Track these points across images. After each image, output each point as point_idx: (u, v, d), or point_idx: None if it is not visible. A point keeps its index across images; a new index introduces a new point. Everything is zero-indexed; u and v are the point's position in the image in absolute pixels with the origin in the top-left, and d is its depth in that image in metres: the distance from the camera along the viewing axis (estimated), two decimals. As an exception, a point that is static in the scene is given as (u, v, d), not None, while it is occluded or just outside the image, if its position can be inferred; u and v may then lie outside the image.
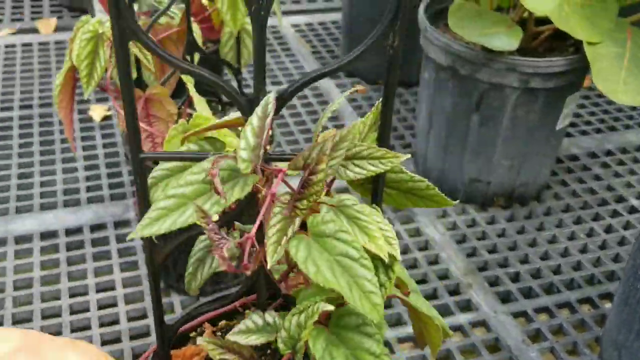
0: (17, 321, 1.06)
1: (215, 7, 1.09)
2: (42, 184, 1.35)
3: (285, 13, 2.13)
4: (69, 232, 1.23)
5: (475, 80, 1.22)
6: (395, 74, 0.51)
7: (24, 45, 1.86)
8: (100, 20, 0.92)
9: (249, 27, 1.26)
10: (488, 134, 1.29)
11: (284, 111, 1.64)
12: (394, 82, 0.52)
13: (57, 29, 1.95)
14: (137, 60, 0.94)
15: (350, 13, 1.77)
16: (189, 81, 0.87)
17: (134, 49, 0.88)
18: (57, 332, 1.04)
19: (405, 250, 1.27)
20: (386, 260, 0.49)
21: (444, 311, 1.15)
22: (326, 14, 2.15)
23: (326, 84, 1.78)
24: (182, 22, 1.03)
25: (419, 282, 1.20)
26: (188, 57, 1.00)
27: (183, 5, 1.02)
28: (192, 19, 1.01)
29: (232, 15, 0.97)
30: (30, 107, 1.59)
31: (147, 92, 0.92)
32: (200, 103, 0.85)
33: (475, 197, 1.38)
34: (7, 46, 1.84)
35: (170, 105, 0.94)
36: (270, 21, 2.08)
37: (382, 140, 0.54)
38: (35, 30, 1.93)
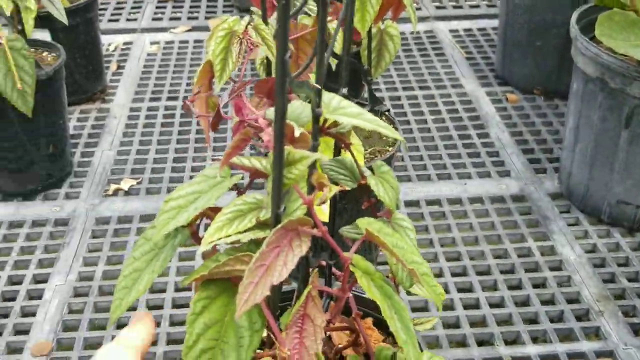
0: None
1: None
2: (194, 169, 1.45)
3: (444, 18, 2.11)
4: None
5: (626, 94, 1.13)
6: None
7: (196, 41, 2.01)
8: (236, 20, 0.98)
9: (391, 31, 1.27)
10: (638, 153, 1.19)
11: (427, 115, 1.63)
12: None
13: (227, 28, 2.09)
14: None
15: (507, 19, 1.71)
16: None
17: (263, 47, 0.92)
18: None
19: (535, 268, 1.21)
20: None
21: (566, 336, 1.08)
22: (488, 20, 2.09)
23: (477, 91, 1.74)
24: (316, 22, 1.07)
25: (544, 302, 1.14)
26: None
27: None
28: (330, 19, 1.04)
29: (360, 17, 0.98)
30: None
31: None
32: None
33: (622, 220, 1.28)
34: (181, 42, 2.00)
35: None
36: (425, 26, 2.06)
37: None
38: (207, 29, 2.08)
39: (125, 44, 1.99)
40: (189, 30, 2.08)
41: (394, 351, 0.60)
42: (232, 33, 0.94)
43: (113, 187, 1.39)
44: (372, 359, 0.60)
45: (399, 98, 1.70)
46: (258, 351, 0.55)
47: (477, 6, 2.17)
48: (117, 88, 1.76)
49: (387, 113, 1.15)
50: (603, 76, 1.15)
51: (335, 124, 0.56)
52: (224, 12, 2.19)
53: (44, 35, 1.52)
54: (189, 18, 2.15)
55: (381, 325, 0.73)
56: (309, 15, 1.19)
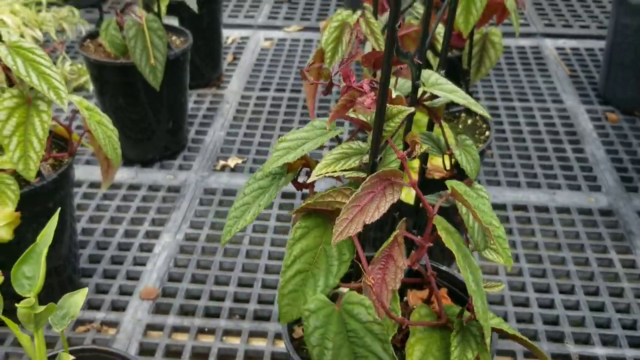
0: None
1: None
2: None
3: (551, 36, 2.13)
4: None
5: None
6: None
7: (306, 40, 2.13)
8: (350, 13, 1.07)
9: (494, 38, 1.33)
10: None
11: (523, 126, 1.67)
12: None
13: (337, 30, 2.20)
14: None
15: (614, 39, 1.73)
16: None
17: (371, 38, 1.01)
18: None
19: (614, 278, 1.23)
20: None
21: (637, 344, 1.10)
22: (596, 41, 2.10)
23: (576, 108, 1.75)
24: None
25: (619, 310, 1.16)
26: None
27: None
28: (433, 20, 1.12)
29: (464, 19, 1.05)
30: (298, 91, 1.84)
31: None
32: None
33: None
34: (292, 40, 2.13)
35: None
36: (531, 42, 2.09)
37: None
38: (317, 30, 2.20)
39: (242, 38, 2.14)
40: (301, 30, 2.20)
41: (461, 309, 0.67)
42: (345, 24, 1.03)
43: (221, 163, 1.52)
44: (441, 313, 0.67)
45: (496, 107, 1.75)
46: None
47: (586, 26, 2.18)
48: (231, 77, 1.90)
49: (479, 115, 1.21)
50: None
51: (431, 97, 0.64)
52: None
53: (172, 22, 1.68)
54: (301, 19, 2.28)
55: (454, 296, 0.80)
56: (417, 18, 1.27)
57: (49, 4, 1.82)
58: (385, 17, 1.14)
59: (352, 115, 0.58)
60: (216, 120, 1.69)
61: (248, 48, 2.07)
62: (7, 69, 0.91)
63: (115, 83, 1.40)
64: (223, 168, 1.51)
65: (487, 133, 1.23)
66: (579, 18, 2.24)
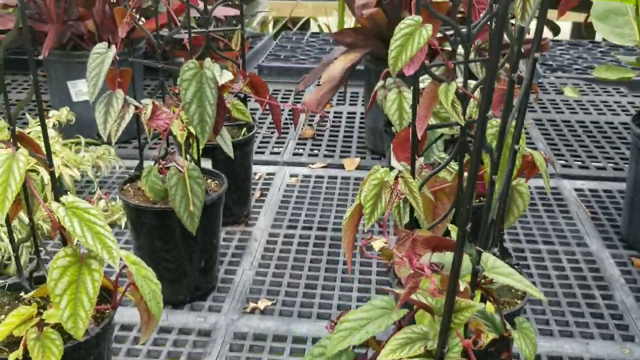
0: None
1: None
2: (322, 296, 1.57)
3: (570, 177, 2.18)
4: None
5: None
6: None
7: (330, 177, 2.19)
8: (386, 171, 1.12)
9: (521, 188, 1.37)
10: None
11: (551, 270, 1.67)
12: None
13: (359, 167, 2.26)
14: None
15: (635, 184, 1.77)
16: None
17: (410, 197, 1.05)
18: None
19: None
20: None
21: None
22: (614, 183, 2.15)
23: (601, 252, 1.77)
24: (455, 178, 1.19)
25: None
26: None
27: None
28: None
29: (499, 176, 1.09)
30: (325, 229, 1.87)
31: (415, 234, 1.08)
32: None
33: None
34: (317, 176, 2.19)
35: (434, 249, 1.08)
36: (551, 182, 2.14)
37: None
38: (341, 167, 2.27)
39: (268, 174, 2.20)
40: (325, 167, 2.27)
41: None
42: (384, 183, 1.07)
43: (251, 305, 1.52)
44: None
45: (522, 250, 1.76)
46: None
47: (603, 168, 2.24)
48: (259, 214, 1.94)
49: (515, 267, 1.23)
50: None
51: (490, 280, 0.65)
52: (357, 152, 2.38)
53: (206, 164, 1.74)
54: (325, 156, 2.35)
55: None
56: (450, 173, 1.31)
57: (87, 144, 1.90)
58: (423, 173, 1.18)
59: (420, 298, 0.60)
60: (245, 258, 1.71)
61: (274, 185, 2.12)
62: (62, 228, 0.94)
63: (152, 225, 1.44)
64: (253, 310, 1.51)
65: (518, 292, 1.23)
66: (594, 159, 2.30)
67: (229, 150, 1.50)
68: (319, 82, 2.13)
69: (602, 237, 1.85)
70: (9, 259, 1.57)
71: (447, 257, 0.70)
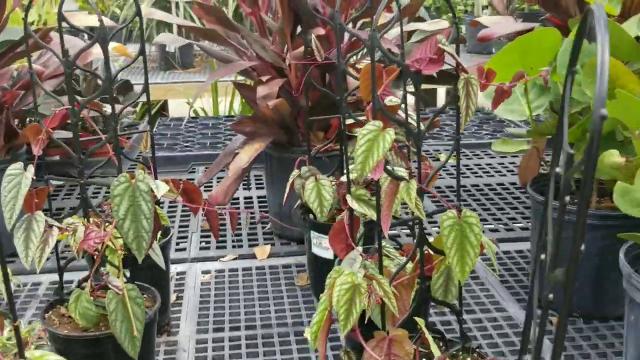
0: None
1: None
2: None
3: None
4: None
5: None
6: None
7: (245, 269, 2.14)
8: (352, 272, 1.11)
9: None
10: None
11: (481, 340, 1.72)
12: None
13: (270, 255, 2.23)
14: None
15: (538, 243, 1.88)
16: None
17: (386, 299, 1.04)
18: None
19: None
20: None
21: None
22: (514, 244, 2.27)
23: (520, 314, 1.85)
24: (415, 269, 1.20)
25: None
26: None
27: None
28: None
29: (460, 268, 1.12)
30: (254, 327, 1.80)
31: (390, 334, 1.07)
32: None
33: None
34: (230, 270, 2.13)
35: (408, 346, 1.08)
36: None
37: None
38: (252, 256, 2.22)
39: (178, 273, 2.10)
40: (236, 259, 2.21)
41: None
42: (356, 287, 1.06)
43: None
44: None
45: (449, 323, 1.81)
46: None
47: (512, 229, 2.37)
48: (179, 319, 1.84)
49: (477, 350, 1.25)
50: (665, 310, 1.28)
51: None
52: (264, 240, 2.34)
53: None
54: (233, 246, 2.29)
55: None
56: (392, 259, 1.32)
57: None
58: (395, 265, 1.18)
59: None
60: (177, 372, 1.61)
61: (188, 285, 2.03)
62: None
63: (83, 355, 1.31)
64: None
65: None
66: (499, 221, 2.43)
67: (160, 261, 1.42)
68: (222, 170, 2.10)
69: (516, 299, 1.94)
70: None
71: None
